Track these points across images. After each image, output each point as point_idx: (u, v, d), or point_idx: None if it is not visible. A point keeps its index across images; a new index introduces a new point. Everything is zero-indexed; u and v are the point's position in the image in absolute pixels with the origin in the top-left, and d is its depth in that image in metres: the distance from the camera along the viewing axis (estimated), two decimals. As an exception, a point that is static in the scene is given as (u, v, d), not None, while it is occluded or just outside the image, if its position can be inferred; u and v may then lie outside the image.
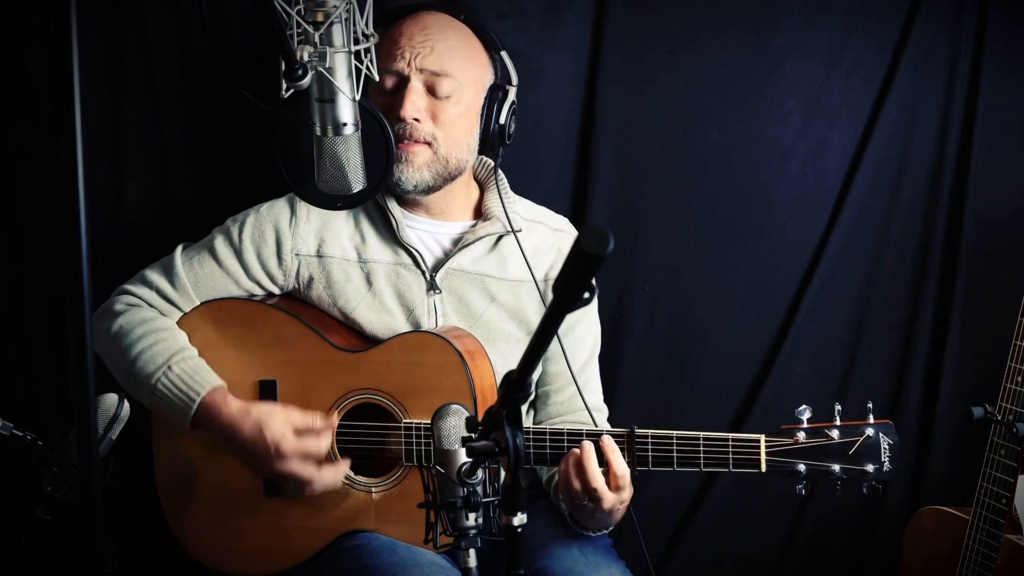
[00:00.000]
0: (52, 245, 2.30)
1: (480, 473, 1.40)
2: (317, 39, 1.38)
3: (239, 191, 2.31)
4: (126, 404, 1.64)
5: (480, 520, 1.40)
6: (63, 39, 1.06)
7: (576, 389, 2.02)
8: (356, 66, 1.44)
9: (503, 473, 1.29)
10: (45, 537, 1.64)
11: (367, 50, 1.45)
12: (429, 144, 1.91)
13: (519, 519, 1.27)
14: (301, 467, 1.84)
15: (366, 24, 1.45)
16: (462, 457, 1.40)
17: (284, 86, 1.38)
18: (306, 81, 1.38)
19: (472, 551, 1.40)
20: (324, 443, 1.86)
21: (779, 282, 2.45)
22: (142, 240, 2.25)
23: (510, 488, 1.26)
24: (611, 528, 1.91)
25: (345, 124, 1.45)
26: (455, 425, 1.43)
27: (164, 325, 1.94)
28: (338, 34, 1.40)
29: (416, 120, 1.89)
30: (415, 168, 1.91)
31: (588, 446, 1.75)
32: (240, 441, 1.85)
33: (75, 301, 1.08)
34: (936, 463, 2.48)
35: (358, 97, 1.45)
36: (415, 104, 1.88)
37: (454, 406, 1.45)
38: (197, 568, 2.00)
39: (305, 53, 1.37)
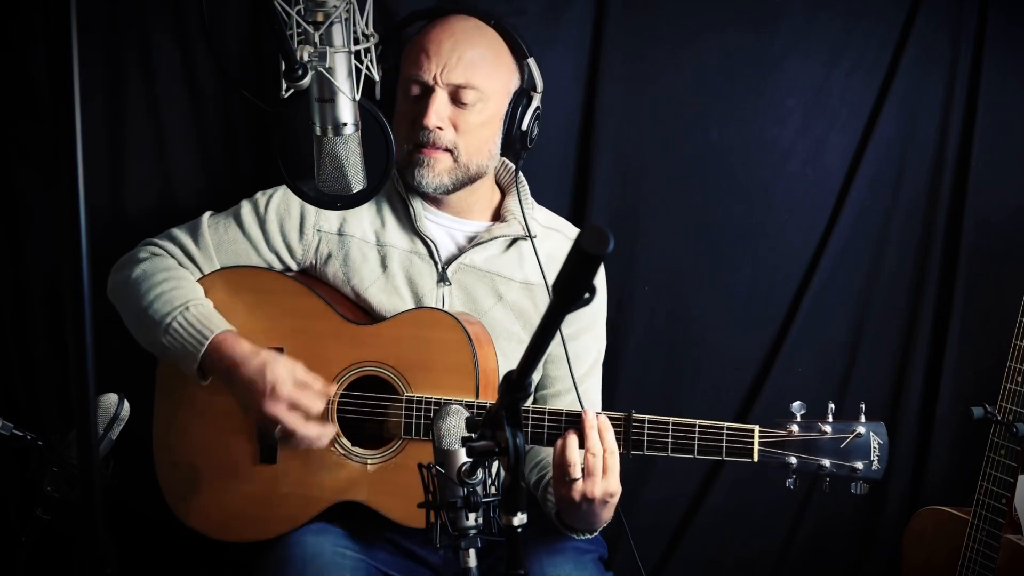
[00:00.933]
0: (52, 245, 2.30)
1: (480, 473, 1.40)
2: (317, 39, 1.38)
3: (239, 191, 2.31)
4: (126, 404, 1.64)
5: (480, 520, 1.40)
6: (63, 39, 1.06)
7: (575, 397, 2.03)
8: (356, 66, 1.44)
9: (503, 473, 1.29)
10: (45, 537, 1.64)
11: (367, 50, 1.45)
12: (450, 151, 1.95)
13: (519, 519, 1.27)
14: (288, 415, 1.86)
15: (366, 24, 1.45)
16: (462, 457, 1.40)
17: (284, 86, 1.38)
18: (306, 81, 1.38)
19: (472, 551, 1.40)
20: (318, 403, 1.88)
21: (779, 282, 2.45)
22: (142, 240, 2.25)
23: (510, 488, 1.26)
24: (597, 531, 1.91)
25: (345, 124, 1.45)
26: (455, 425, 1.43)
27: (185, 275, 1.98)
28: (338, 34, 1.40)
29: (439, 128, 1.93)
30: (435, 174, 1.96)
31: (591, 413, 1.77)
32: (242, 376, 1.87)
33: (75, 301, 1.08)
34: (936, 463, 2.48)
35: (358, 97, 1.45)
36: (439, 113, 1.93)
37: (454, 406, 1.45)
38: (197, 568, 2.00)
39: (305, 53, 1.37)
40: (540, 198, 2.16)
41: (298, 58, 1.37)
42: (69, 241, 1.07)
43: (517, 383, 1.23)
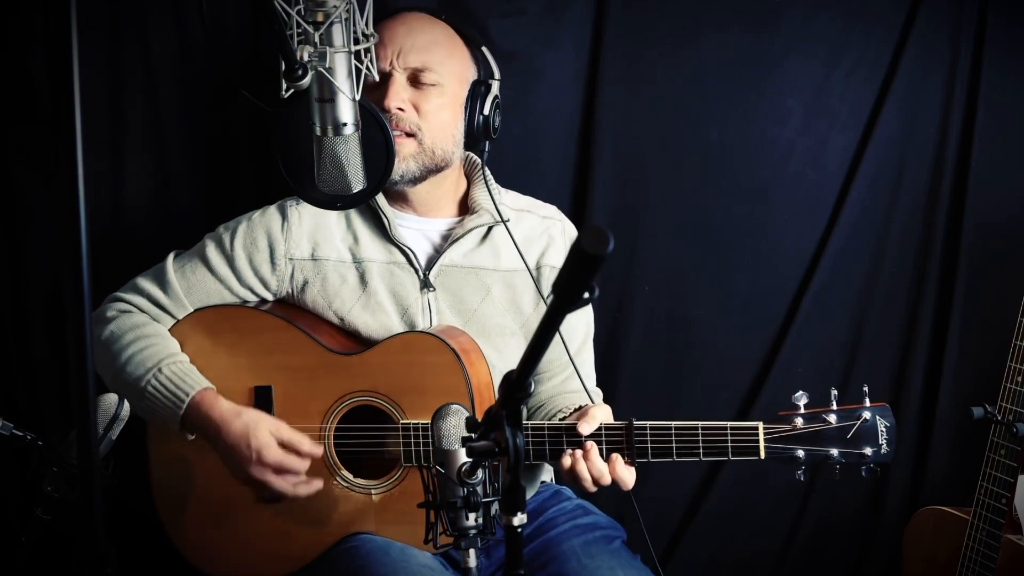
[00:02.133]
0: (52, 245, 2.30)
1: (480, 473, 1.40)
2: (317, 39, 1.38)
3: (239, 191, 2.31)
4: (126, 404, 1.64)
5: (480, 520, 1.40)
6: (63, 39, 1.06)
7: (568, 374, 2.03)
8: (356, 66, 1.44)
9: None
10: (45, 537, 1.64)
11: (367, 50, 1.45)
12: (414, 135, 1.92)
13: (519, 519, 1.27)
14: (276, 479, 1.86)
15: (366, 24, 1.45)
16: (462, 457, 1.40)
17: (284, 86, 1.38)
18: (306, 81, 1.38)
19: (472, 551, 1.40)
20: (303, 464, 1.87)
21: (779, 282, 2.45)
22: (142, 241, 2.25)
23: (510, 488, 1.26)
24: None
25: (345, 124, 1.45)
26: (455, 425, 1.43)
27: (155, 331, 1.94)
28: (338, 34, 1.40)
29: (400, 110, 1.91)
30: (401, 159, 1.92)
31: (590, 446, 1.76)
32: (224, 440, 1.86)
33: (75, 301, 1.08)
34: (936, 463, 2.48)
35: (358, 97, 1.45)
36: (399, 95, 1.91)
37: (454, 406, 1.45)
38: (197, 569, 2.00)
39: (305, 53, 1.37)
40: (540, 198, 2.15)
41: (298, 58, 1.37)
42: (69, 241, 1.07)
43: (517, 383, 1.23)
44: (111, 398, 1.63)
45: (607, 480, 1.77)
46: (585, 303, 1.11)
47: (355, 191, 1.51)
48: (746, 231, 2.43)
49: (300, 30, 1.38)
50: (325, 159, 1.47)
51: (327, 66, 1.39)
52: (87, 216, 1.07)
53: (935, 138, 2.41)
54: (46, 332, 2.33)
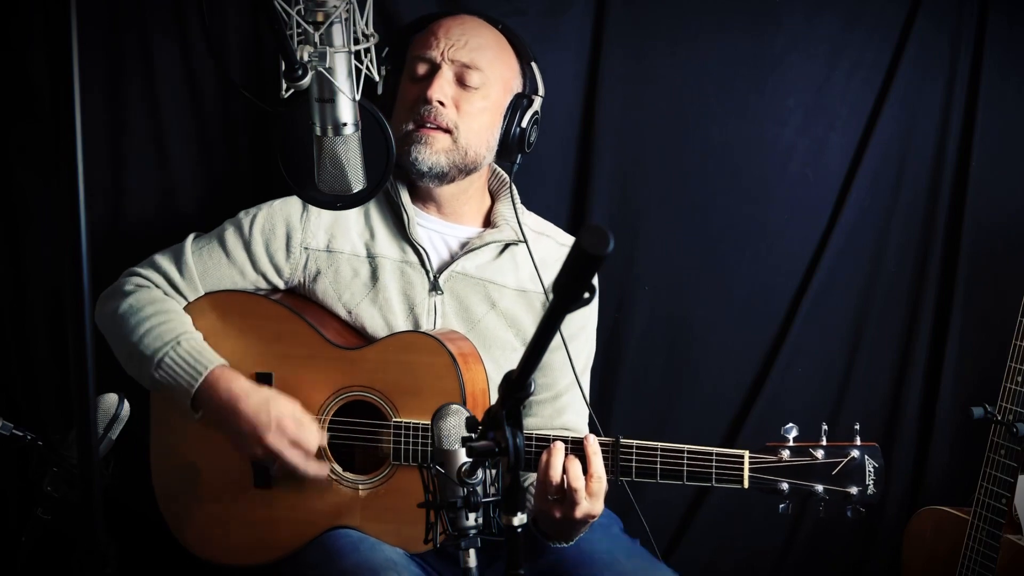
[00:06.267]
0: (52, 245, 2.30)
1: (480, 473, 1.40)
2: (317, 39, 1.38)
3: (239, 191, 2.31)
4: (126, 404, 1.64)
5: (480, 520, 1.40)
6: (63, 39, 1.06)
7: (556, 408, 2.03)
8: (356, 66, 1.44)
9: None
10: (45, 537, 1.64)
11: (367, 50, 1.45)
12: (450, 132, 1.95)
13: (519, 519, 1.27)
14: (291, 451, 1.87)
15: (366, 24, 1.45)
16: (462, 457, 1.40)
17: (284, 86, 1.38)
18: (306, 81, 1.38)
19: (472, 551, 1.40)
20: (315, 442, 1.89)
21: (779, 282, 2.45)
22: (142, 240, 2.25)
23: (510, 488, 1.26)
24: (572, 542, 1.87)
25: (345, 124, 1.45)
26: (455, 425, 1.43)
27: (173, 307, 1.97)
28: (338, 34, 1.41)
29: (441, 104, 1.93)
30: (433, 151, 1.94)
31: (572, 458, 1.76)
32: (243, 409, 1.87)
33: (75, 301, 1.08)
34: (936, 463, 2.48)
35: (358, 97, 1.45)
36: (442, 89, 1.94)
37: (454, 406, 1.45)
38: (196, 569, 2.01)
39: (305, 53, 1.37)
40: (540, 198, 2.16)
41: (298, 58, 1.37)
42: (69, 241, 1.07)
43: (517, 383, 1.23)
44: (111, 398, 1.63)
45: (579, 484, 1.73)
46: (585, 303, 1.11)
47: (355, 191, 1.51)
48: (746, 231, 2.43)
49: (300, 30, 1.38)
50: (325, 159, 1.47)
51: (327, 66, 1.40)
52: (87, 216, 1.07)
53: (935, 138, 2.41)
54: (46, 332, 2.33)
